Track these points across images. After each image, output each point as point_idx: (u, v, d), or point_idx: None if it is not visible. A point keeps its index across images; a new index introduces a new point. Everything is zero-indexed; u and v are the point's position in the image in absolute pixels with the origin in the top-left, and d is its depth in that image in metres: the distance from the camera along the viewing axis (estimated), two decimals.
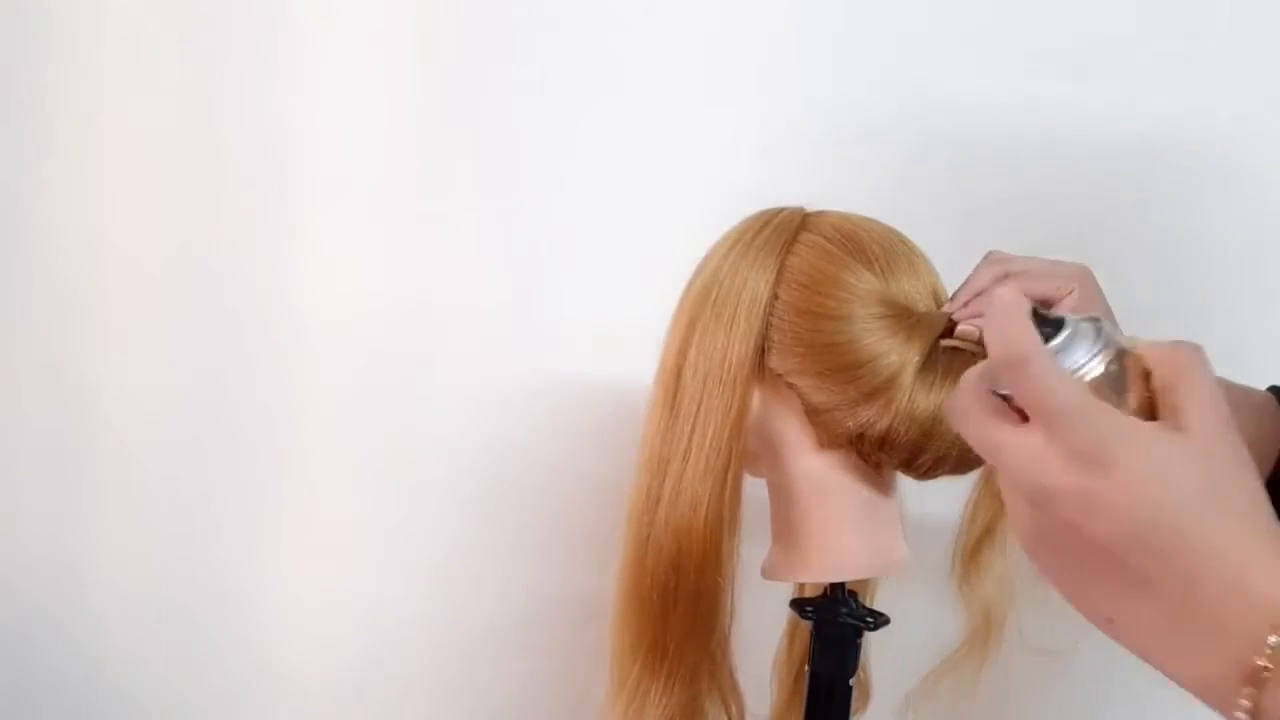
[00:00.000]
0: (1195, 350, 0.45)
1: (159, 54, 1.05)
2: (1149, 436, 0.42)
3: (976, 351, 0.72)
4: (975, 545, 0.80)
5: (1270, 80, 0.98)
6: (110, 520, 1.12)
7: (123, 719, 1.14)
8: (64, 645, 1.14)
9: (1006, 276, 0.73)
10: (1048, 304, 0.73)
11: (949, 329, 0.72)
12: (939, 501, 0.73)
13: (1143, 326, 0.72)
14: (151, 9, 1.05)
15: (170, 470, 1.10)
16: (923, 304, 0.72)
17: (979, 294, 0.72)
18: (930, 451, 0.70)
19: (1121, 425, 0.42)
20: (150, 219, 1.08)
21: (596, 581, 0.82)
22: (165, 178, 1.07)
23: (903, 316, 0.71)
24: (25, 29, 1.07)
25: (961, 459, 0.71)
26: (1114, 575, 0.41)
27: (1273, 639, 0.38)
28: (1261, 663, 0.38)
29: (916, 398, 0.69)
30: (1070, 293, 0.72)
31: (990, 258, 0.75)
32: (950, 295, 0.74)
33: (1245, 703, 0.38)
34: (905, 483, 0.75)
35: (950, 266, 0.75)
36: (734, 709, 0.78)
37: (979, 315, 0.71)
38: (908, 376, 0.69)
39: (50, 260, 1.10)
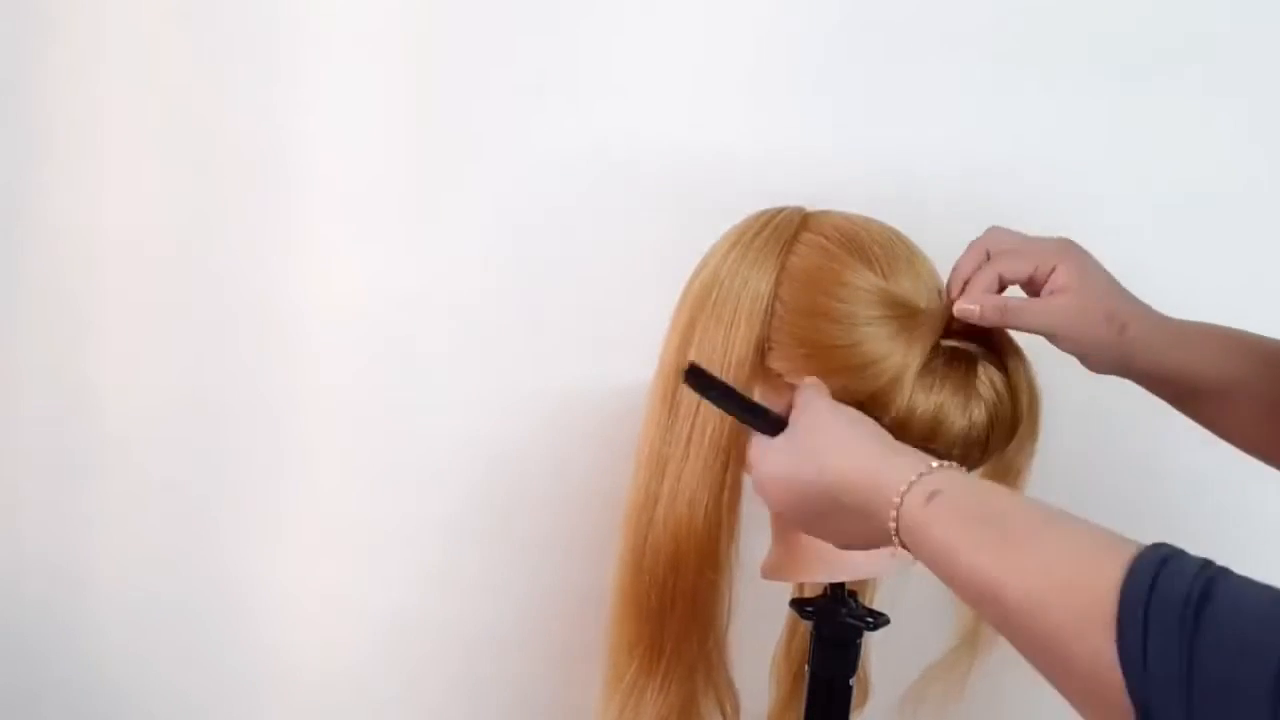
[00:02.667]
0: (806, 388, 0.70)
1: (158, 54, 1.05)
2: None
3: (976, 352, 0.72)
4: None
5: None
6: (110, 520, 1.12)
7: (123, 718, 1.14)
8: (64, 644, 1.14)
9: (989, 258, 0.73)
10: (1034, 283, 0.73)
11: (949, 329, 0.72)
12: None
13: None
14: (151, 9, 1.05)
15: (170, 470, 1.10)
16: (924, 304, 0.72)
17: (966, 282, 0.72)
18: (930, 451, 0.70)
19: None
20: (150, 219, 1.07)
21: (596, 581, 0.82)
22: (165, 177, 1.07)
23: (904, 317, 0.71)
24: (25, 29, 1.07)
25: (963, 458, 0.71)
26: (826, 511, 0.65)
27: (890, 520, 0.59)
28: (893, 526, 0.59)
29: (916, 399, 0.69)
30: (1052, 270, 0.71)
31: (978, 239, 0.74)
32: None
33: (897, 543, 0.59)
34: None
35: (951, 266, 0.75)
36: (729, 709, 0.78)
37: (969, 309, 0.71)
38: (908, 378, 0.69)
39: (50, 260, 1.10)
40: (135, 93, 1.06)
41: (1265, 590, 0.45)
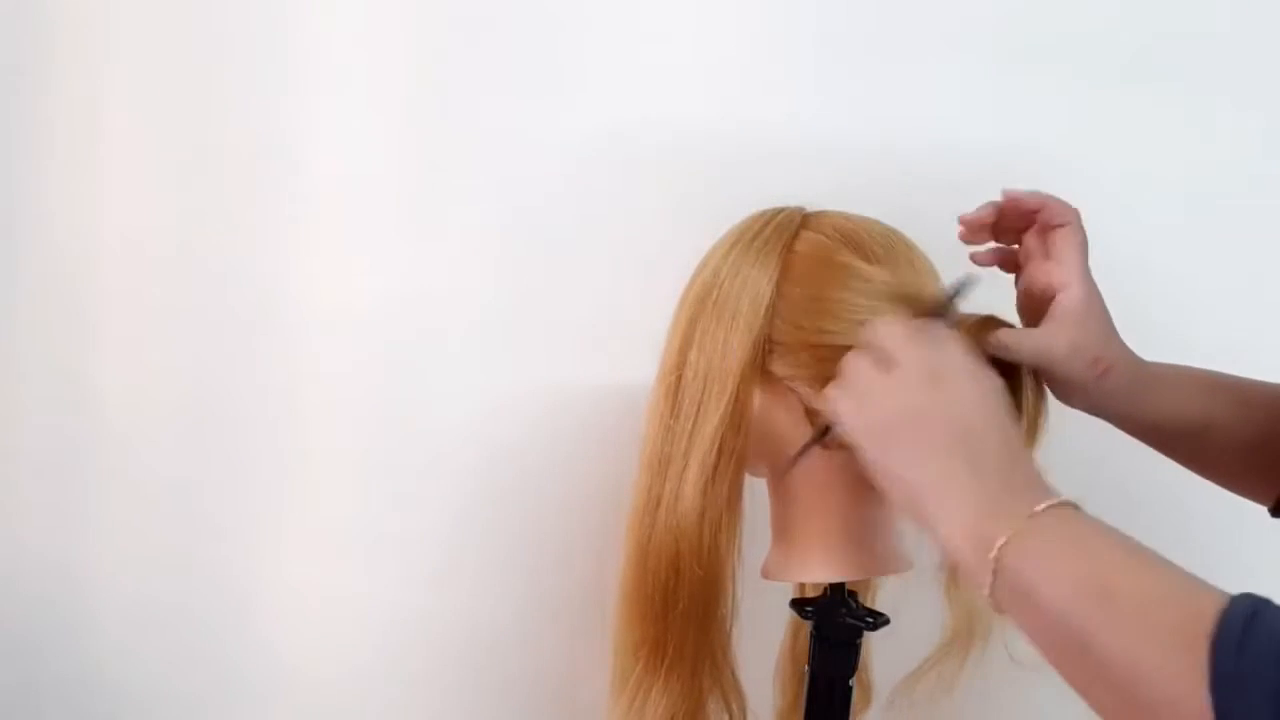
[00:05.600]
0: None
1: (158, 54, 1.05)
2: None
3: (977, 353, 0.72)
4: None
5: None
6: (111, 519, 1.11)
7: (123, 717, 1.14)
8: (63, 643, 1.14)
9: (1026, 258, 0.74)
10: (1036, 293, 0.73)
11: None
12: None
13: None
14: (151, 9, 1.05)
15: (171, 469, 1.10)
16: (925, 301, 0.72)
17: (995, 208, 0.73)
18: None
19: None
20: (150, 218, 1.07)
21: (597, 581, 0.82)
22: (165, 177, 1.06)
23: (905, 315, 0.70)
24: (25, 29, 1.07)
25: None
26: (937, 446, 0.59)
27: (1040, 508, 0.53)
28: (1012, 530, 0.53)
29: None
30: (1067, 286, 0.71)
31: (1063, 214, 0.73)
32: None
33: (992, 555, 0.53)
34: None
35: (950, 267, 0.75)
36: (735, 707, 0.78)
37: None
38: None
39: (50, 259, 1.10)
40: (135, 93, 1.06)
41: None
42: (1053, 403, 0.74)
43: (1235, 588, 0.48)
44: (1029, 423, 0.71)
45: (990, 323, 0.71)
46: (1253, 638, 0.43)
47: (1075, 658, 0.51)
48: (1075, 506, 0.55)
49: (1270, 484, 0.73)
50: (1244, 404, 0.74)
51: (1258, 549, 0.85)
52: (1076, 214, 0.73)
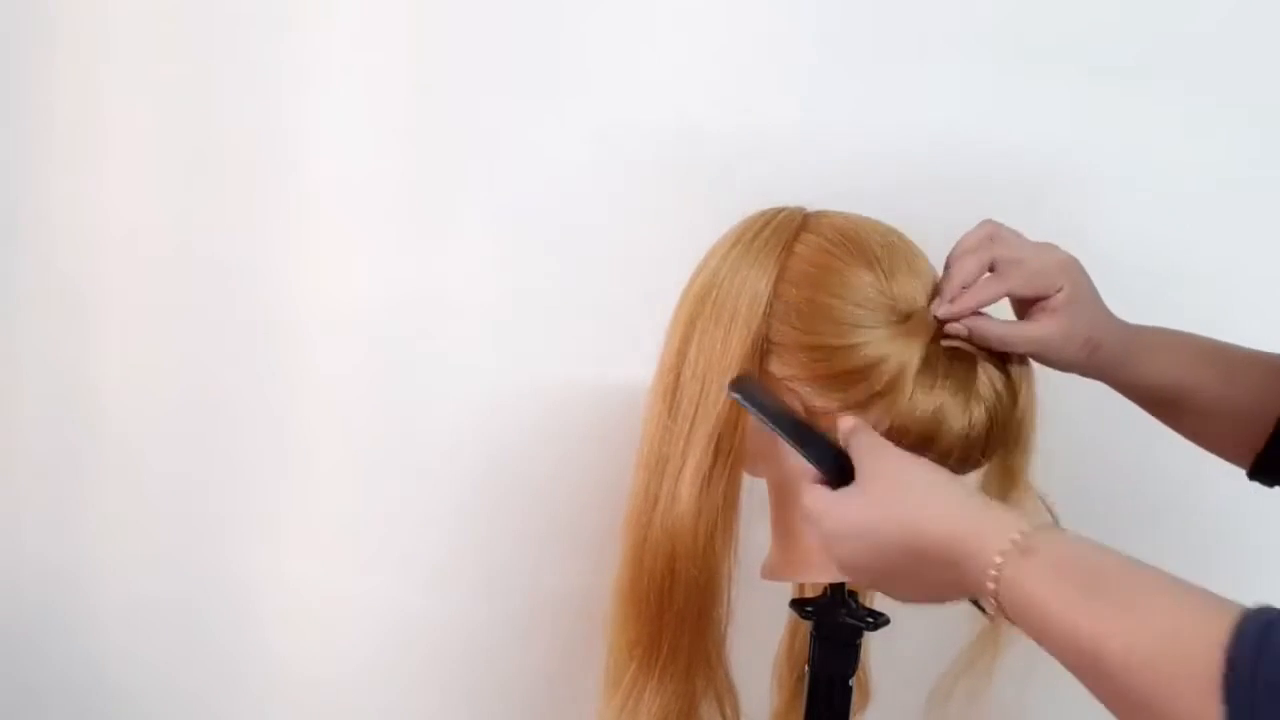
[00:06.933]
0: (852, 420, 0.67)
1: (158, 54, 1.05)
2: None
3: (976, 353, 0.72)
4: None
5: None
6: (110, 520, 1.12)
7: (123, 718, 1.15)
8: (64, 644, 1.14)
9: (991, 269, 0.72)
10: (1041, 300, 0.73)
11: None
12: None
13: None
14: (151, 9, 1.05)
15: (171, 469, 1.10)
16: (924, 303, 0.72)
17: (965, 288, 0.71)
18: (931, 452, 0.70)
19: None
20: (151, 218, 1.07)
21: (596, 580, 0.82)
22: (166, 176, 1.07)
23: (905, 317, 0.70)
24: (25, 29, 1.07)
25: (962, 459, 0.71)
26: (908, 571, 0.61)
27: (989, 581, 0.56)
28: (991, 586, 0.56)
29: (917, 399, 0.69)
30: (1059, 290, 0.72)
31: (979, 240, 0.73)
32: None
33: (991, 574, 0.56)
34: None
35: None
36: (729, 709, 0.78)
37: (966, 313, 0.70)
38: (908, 379, 0.69)
39: (50, 259, 1.10)
40: (135, 93, 1.06)
41: None
42: (1049, 389, 0.74)
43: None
44: (1023, 404, 0.72)
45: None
46: (1267, 657, 0.44)
47: (1090, 670, 0.51)
48: (1060, 528, 0.58)
49: (1248, 448, 0.75)
50: (1228, 371, 0.75)
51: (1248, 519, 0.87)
52: (991, 227, 0.73)
